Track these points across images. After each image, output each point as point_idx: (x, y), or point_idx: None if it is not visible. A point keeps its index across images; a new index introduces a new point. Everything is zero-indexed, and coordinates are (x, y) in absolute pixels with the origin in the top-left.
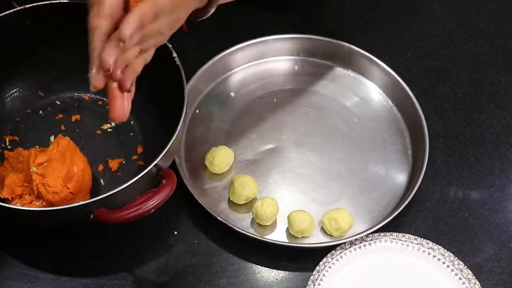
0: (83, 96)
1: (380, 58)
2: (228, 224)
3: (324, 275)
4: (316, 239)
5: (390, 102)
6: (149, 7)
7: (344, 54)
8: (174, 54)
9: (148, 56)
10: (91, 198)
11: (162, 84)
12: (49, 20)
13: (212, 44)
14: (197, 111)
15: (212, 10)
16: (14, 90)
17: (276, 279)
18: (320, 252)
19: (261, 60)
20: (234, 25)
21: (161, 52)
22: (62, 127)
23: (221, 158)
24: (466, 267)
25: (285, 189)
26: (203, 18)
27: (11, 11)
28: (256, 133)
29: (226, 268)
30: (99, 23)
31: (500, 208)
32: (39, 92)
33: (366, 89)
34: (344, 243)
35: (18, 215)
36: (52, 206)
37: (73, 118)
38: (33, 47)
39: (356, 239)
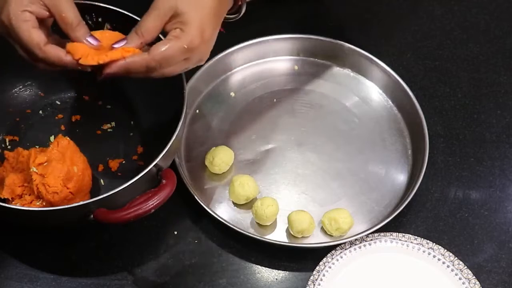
0: (83, 96)
1: (380, 58)
2: (228, 224)
3: (324, 275)
4: (316, 239)
5: (390, 102)
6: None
7: (344, 54)
8: None
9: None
10: (91, 198)
11: (162, 84)
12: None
13: None
14: (197, 111)
15: (243, 9)
16: (14, 90)
17: (276, 279)
18: (320, 252)
19: (261, 60)
20: (234, 25)
21: None
22: (62, 127)
23: (221, 158)
24: (466, 267)
25: (285, 189)
26: (237, 18)
27: None
28: (256, 133)
29: (226, 268)
30: None
31: (500, 208)
32: (39, 92)
33: (366, 89)
34: (344, 243)
35: (18, 215)
36: (52, 206)
37: (73, 118)
38: None
39: (356, 239)
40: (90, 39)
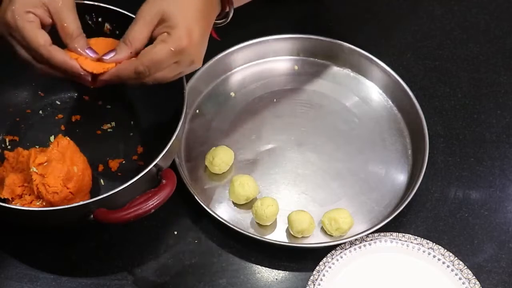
0: (83, 96)
1: (380, 58)
2: (228, 224)
3: (324, 275)
4: (316, 239)
5: (390, 102)
6: None
7: (344, 54)
8: None
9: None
10: (91, 198)
11: (162, 84)
12: None
13: (212, 44)
14: (197, 111)
15: (231, 14)
16: (14, 91)
17: (276, 279)
18: (320, 252)
19: (261, 60)
20: (234, 25)
21: None
22: (62, 127)
23: (221, 158)
24: (466, 267)
25: (285, 189)
26: (225, 22)
27: None
28: (256, 133)
29: (226, 268)
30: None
31: (500, 208)
32: (39, 92)
33: (366, 89)
34: (344, 243)
35: (18, 215)
36: (52, 206)
37: (73, 118)
38: None
39: (356, 239)
40: (88, 51)
